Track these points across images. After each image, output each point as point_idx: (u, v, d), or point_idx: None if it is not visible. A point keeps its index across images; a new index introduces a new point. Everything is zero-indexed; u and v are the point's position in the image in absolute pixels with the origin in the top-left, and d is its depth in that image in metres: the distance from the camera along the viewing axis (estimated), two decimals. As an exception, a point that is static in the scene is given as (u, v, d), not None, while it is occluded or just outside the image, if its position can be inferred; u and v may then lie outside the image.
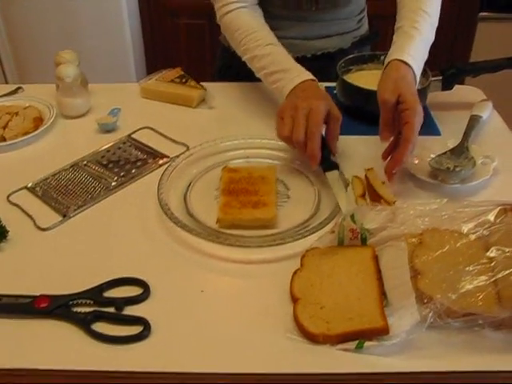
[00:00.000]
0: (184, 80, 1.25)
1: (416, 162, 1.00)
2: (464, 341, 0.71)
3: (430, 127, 1.14)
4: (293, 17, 1.27)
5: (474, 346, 0.71)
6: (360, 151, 1.08)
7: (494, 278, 0.71)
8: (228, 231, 0.87)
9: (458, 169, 0.97)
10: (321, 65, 1.25)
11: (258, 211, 0.89)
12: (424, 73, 1.16)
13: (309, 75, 1.05)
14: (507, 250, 0.71)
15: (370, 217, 0.83)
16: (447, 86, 1.16)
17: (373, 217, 0.83)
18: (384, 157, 0.98)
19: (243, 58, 1.14)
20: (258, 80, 1.24)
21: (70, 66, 1.16)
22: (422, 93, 1.13)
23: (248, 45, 1.12)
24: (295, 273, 0.80)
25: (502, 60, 1.18)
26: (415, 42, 1.01)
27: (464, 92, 1.24)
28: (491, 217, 0.78)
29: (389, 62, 1.00)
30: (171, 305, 0.78)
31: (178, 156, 1.03)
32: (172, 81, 1.26)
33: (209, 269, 0.83)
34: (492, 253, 0.73)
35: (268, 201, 0.91)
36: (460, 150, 1.01)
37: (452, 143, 1.04)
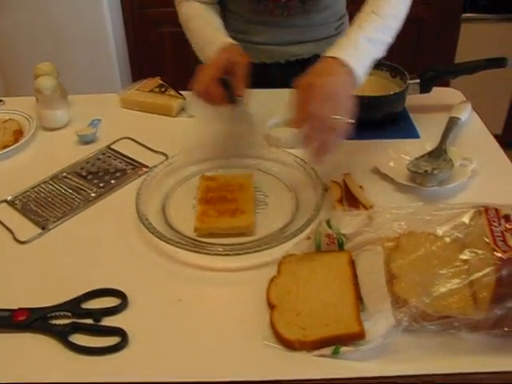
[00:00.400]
0: (163, 89, 1.26)
1: (392, 164, 1.01)
2: (440, 343, 0.71)
3: (408, 130, 1.14)
4: (265, 22, 1.27)
5: (450, 348, 0.71)
6: (338, 156, 1.07)
7: (467, 280, 0.71)
8: (206, 240, 0.87)
9: (435, 171, 0.97)
10: (295, 71, 1.25)
11: (236, 219, 0.89)
12: (402, 76, 1.17)
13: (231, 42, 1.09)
14: (480, 252, 0.71)
15: (346, 222, 0.83)
16: (425, 88, 1.16)
17: (349, 222, 0.83)
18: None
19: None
20: None
21: (49, 79, 1.16)
22: (400, 95, 1.14)
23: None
24: (272, 280, 0.80)
25: (480, 61, 1.18)
26: (354, 39, 0.95)
27: (443, 94, 1.25)
28: (466, 219, 0.78)
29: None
30: (149, 314, 0.77)
31: (156, 166, 1.04)
32: (151, 90, 1.26)
33: (186, 278, 0.83)
34: (466, 255, 0.73)
35: (246, 208, 0.91)
36: (438, 153, 1.02)
37: (430, 146, 1.05)
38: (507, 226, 0.72)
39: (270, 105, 1.25)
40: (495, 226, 0.71)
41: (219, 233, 0.88)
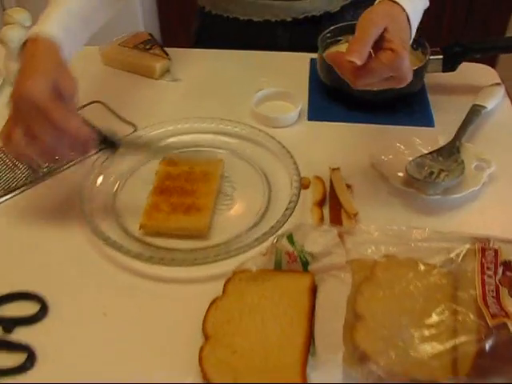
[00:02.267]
0: (148, 46, 1.10)
1: (392, 159, 0.84)
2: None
3: (422, 116, 0.96)
4: None
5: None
6: (332, 142, 0.91)
7: (451, 344, 0.55)
8: (150, 240, 0.74)
9: (441, 176, 0.80)
10: (304, 31, 1.08)
11: (189, 219, 0.75)
12: (424, 49, 0.97)
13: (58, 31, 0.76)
14: (464, 309, 0.55)
15: (313, 238, 0.68)
16: (449, 66, 0.96)
17: (316, 238, 0.68)
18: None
19: None
20: (239, 46, 1.09)
21: (15, 29, 1.02)
22: (419, 72, 0.94)
23: None
24: (214, 301, 0.66)
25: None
26: None
27: (472, 72, 1.04)
28: (456, 255, 0.61)
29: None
30: (68, 329, 0.66)
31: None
32: (135, 47, 1.11)
33: (117, 285, 0.70)
34: (452, 306, 0.57)
35: (203, 205, 0.77)
36: (449, 151, 0.83)
37: (444, 139, 0.86)
38: (506, 274, 0.55)
39: (265, 72, 1.08)
40: (489, 276, 0.55)
41: (168, 233, 0.75)
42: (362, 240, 0.67)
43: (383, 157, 0.84)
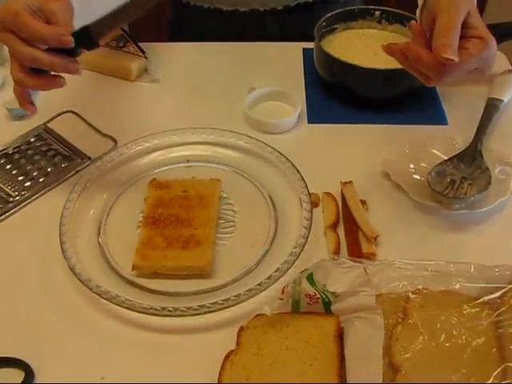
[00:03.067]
0: (121, 44, 0.98)
1: (407, 168, 0.76)
2: None
3: (433, 113, 0.87)
4: None
5: None
6: (338, 148, 0.82)
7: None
8: (145, 282, 0.65)
9: (464, 184, 0.72)
10: (294, 19, 0.97)
11: (188, 254, 0.66)
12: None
13: None
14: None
15: (335, 276, 0.59)
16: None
17: (338, 276, 0.59)
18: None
19: None
20: (223, 39, 1.00)
21: None
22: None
23: None
24: (228, 356, 0.58)
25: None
26: None
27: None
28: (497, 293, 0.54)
29: None
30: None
31: (100, 157, 0.80)
32: (107, 44, 0.98)
33: (115, 342, 0.61)
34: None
35: (203, 237, 0.67)
36: (471, 156, 0.75)
37: (461, 141, 0.78)
38: None
39: (255, 66, 0.98)
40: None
41: (165, 273, 0.66)
42: (391, 277, 0.59)
43: (398, 165, 0.76)
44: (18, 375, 0.58)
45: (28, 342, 0.61)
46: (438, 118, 0.86)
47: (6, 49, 1.00)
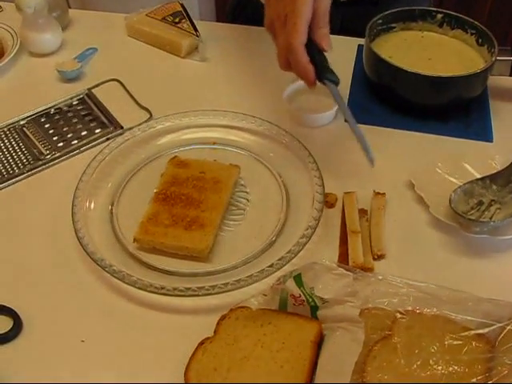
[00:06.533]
0: (177, 20, 0.99)
1: (434, 181, 0.71)
2: None
3: (479, 128, 0.82)
4: None
5: None
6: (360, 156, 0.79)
7: None
8: (144, 256, 0.66)
9: (491, 208, 0.67)
10: (360, 12, 0.93)
11: (189, 236, 0.66)
12: (491, 45, 0.82)
13: None
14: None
15: (325, 281, 0.57)
16: (520, 70, 0.81)
17: (328, 282, 0.57)
18: None
19: None
20: None
21: (33, -7, 0.93)
22: (482, 74, 0.80)
23: None
24: (202, 343, 0.57)
25: None
26: None
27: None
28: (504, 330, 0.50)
29: None
30: (41, 354, 0.59)
31: (131, 128, 0.81)
32: (164, 19, 1.00)
33: (99, 309, 0.62)
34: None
35: (208, 221, 0.67)
36: (506, 178, 0.70)
37: (501, 161, 0.73)
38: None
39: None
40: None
41: (164, 250, 0.66)
42: (380, 293, 0.56)
43: (425, 176, 0.72)
44: (6, 324, 0.61)
45: (22, 293, 0.64)
46: (484, 134, 0.80)
47: (70, 13, 1.05)
